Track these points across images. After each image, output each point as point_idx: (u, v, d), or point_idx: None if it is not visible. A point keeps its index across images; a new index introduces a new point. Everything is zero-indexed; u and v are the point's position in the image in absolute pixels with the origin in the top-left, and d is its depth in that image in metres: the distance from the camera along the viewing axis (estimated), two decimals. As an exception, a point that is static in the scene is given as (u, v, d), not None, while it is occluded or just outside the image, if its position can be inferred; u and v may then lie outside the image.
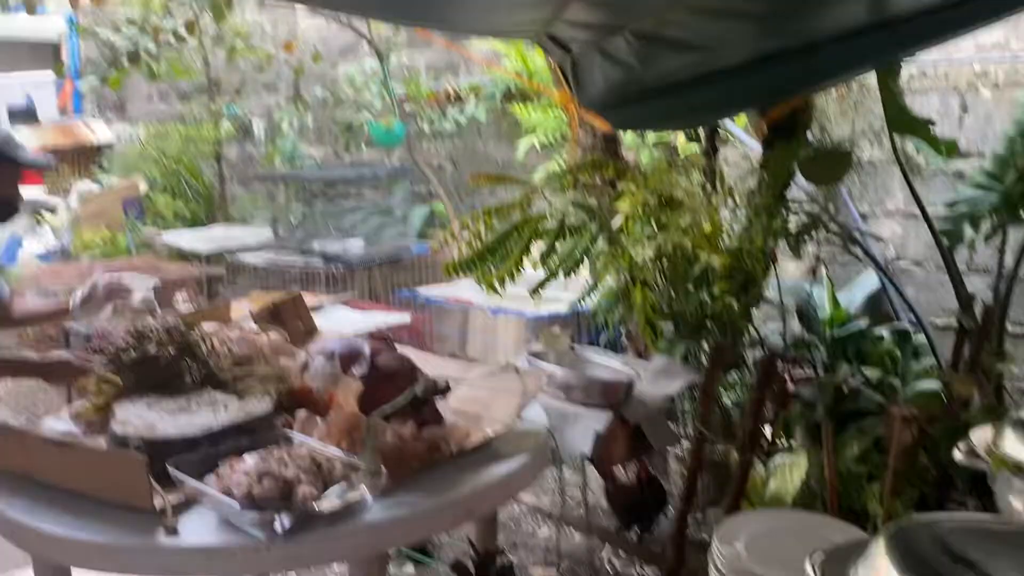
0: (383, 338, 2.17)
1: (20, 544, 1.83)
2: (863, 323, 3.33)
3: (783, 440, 3.12)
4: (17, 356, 2.37)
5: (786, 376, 3.20)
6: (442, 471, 1.91)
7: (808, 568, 0.86)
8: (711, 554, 1.24)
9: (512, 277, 2.92)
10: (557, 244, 3.09)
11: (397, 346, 2.31)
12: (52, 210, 8.17)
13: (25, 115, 9.66)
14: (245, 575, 2.81)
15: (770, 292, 3.27)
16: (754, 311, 3.31)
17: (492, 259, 3.04)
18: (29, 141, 9.21)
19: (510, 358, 4.02)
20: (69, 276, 5.49)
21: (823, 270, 3.78)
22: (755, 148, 3.79)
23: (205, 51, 6.69)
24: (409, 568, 3.14)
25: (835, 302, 3.64)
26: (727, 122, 4.02)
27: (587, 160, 3.42)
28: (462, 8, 2.95)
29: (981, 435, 1.39)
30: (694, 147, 4.11)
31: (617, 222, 3.33)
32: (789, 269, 4.01)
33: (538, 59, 4.85)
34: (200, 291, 5.92)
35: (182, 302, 5.46)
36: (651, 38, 2.82)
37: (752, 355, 3.28)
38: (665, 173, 3.27)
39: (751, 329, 3.27)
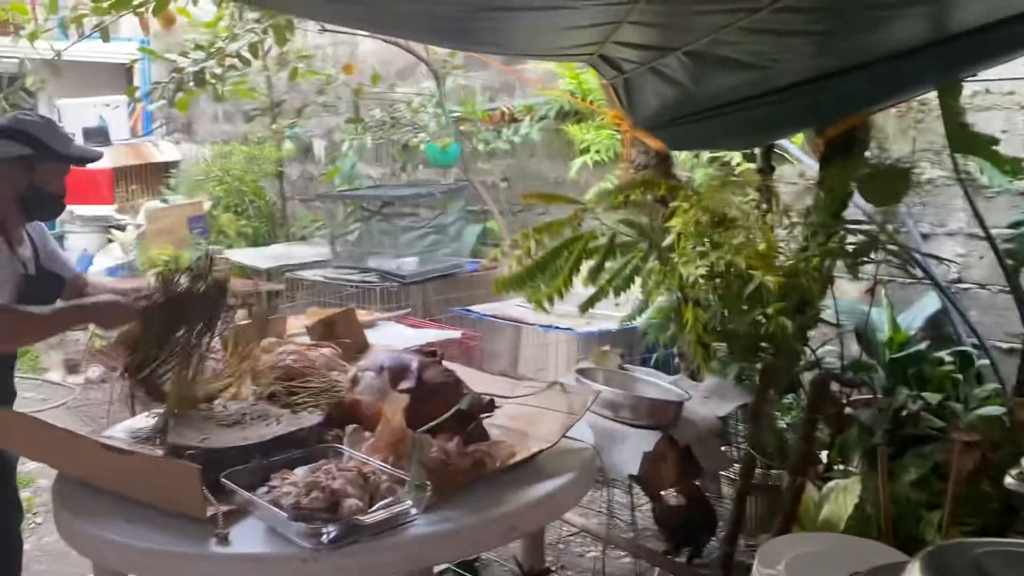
0: (431, 354, 2.19)
1: (79, 549, 1.90)
2: (923, 346, 3.25)
3: (840, 464, 3.05)
4: (69, 303, 2.33)
5: (843, 399, 3.14)
6: (487, 487, 1.92)
7: (844, 591, 0.85)
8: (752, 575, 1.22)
9: (561, 295, 2.92)
10: (606, 262, 3.09)
11: (446, 362, 2.34)
12: (121, 227, 8.46)
13: (98, 135, 10.04)
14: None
15: (828, 313, 3.21)
16: (811, 332, 3.25)
17: (541, 276, 3.04)
18: (101, 160, 9.57)
19: (560, 374, 4.02)
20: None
21: (883, 291, 3.69)
22: (812, 166, 3.74)
23: (269, 73, 6.88)
24: (457, 585, 3.15)
25: (895, 324, 3.56)
26: (783, 140, 3.98)
27: (638, 178, 3.41)
28: (515, 33, 2.98)
29: (1036, 461, 1.35)
30: (750, 165, 4.07)
31: (668, 240, 3.32)
32: (848, 290, 3.93)
33: (592, 79, 4.87)
34: (260, 305, 6.07)
35: (243, 317, 5.60)
36: (704, 57, 2.81)
37: (808, 377, 3.22)
38: (718, 191, 3.24)
39: (807, 351, 3.21)
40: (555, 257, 3.11)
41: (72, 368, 6.27)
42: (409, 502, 1.76)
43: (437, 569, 3.20)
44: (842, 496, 2.38)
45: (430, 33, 3.50)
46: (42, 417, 2.14)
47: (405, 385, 2.02)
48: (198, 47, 4.92)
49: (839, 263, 3.12)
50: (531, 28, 2.85)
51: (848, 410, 3.10)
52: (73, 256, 8.62)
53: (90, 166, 9.17)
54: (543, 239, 3.18)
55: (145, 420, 2.49)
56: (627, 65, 3.20)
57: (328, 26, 5.31)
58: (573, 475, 2.02)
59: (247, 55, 4.97)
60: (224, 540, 1.72)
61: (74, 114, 10.52)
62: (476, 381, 2.34)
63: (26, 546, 3.59)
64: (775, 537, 1.97)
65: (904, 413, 2.81)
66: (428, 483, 1.80)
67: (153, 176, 9.80)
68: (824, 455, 3.11)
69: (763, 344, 3.21)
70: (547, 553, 3.32)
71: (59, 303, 2.37)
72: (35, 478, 4.16)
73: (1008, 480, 1.38)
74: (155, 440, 2.23)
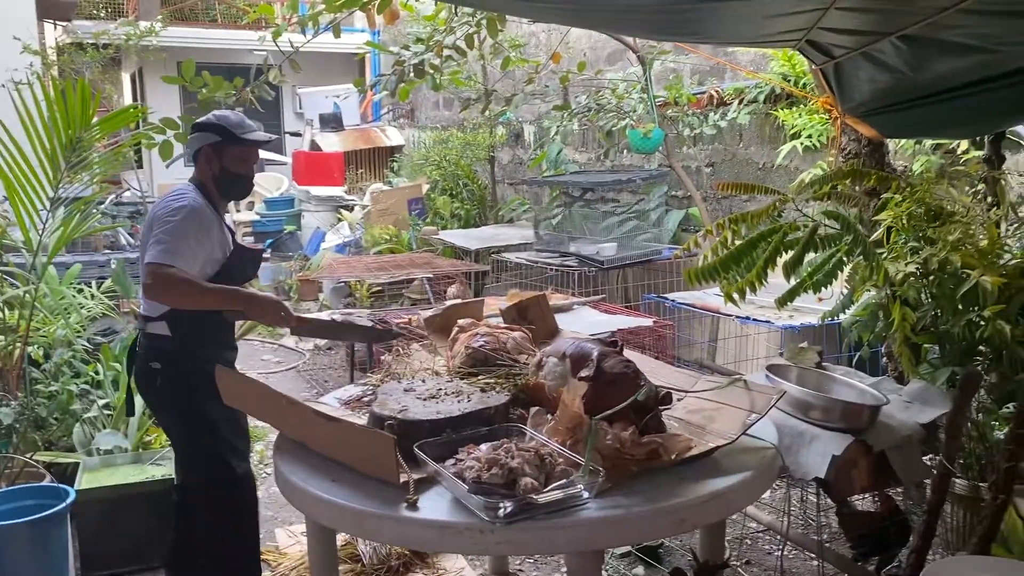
0: (612, 343, 2.24)
1: (291, 500, 2.15)
2: None
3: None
4: (242, 290, 2.68)
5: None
6: (661, 478, 1.95)
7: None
8: (915, 596, 1.17)
9: (754, 288, 2.86)
10: (806, 255, 2.98)
11: (637, 351, 2.37)
12: (349, 207, 9.17)
13: (333, 121, 10.93)
14: (469, 553, 3.05)
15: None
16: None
17: (736, 268, 2.99)
18: (334, 145, 10.41)
19: (759, 369, 3.92)
20: (358, 268, 6.16)
21: None
22: (1052, 155, 3.39)
23: (484, 62, 7.16)
24: (639, 570, 3.20)
25: None
26: (1019, 127, 3.63)
27: (845, 168, 3.25)
28: (719, 24, 2.94)
29: None
30: (978, 153, 3.75)
31: (877, 234, 3.14)
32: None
33: (805, 61, 4.67)
34: (468, 285, 6.39)
35: (453, 295, 5.95)
36: (922, 41, 2.63)
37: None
38: (934, 183, 3.03)
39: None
40: (751, 248, 3.03)
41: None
42: (582, 485, 1.84)
43: (621, 551, 3.27)
44: (1059, 520, 2.17)
45: (635, 26, 3.52)
46: (276, 378, 2.43)
47: (585, 373, 2.09)
48: (418, 40, 5.22)
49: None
50: (734, 18, 2.80)
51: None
52: (307, 233, 9.48)
53: (326, 150, 10.01)
54: (740, 229, 3.12)
55: (356, 388, 2.75)
56: (837, 50, 3.06)
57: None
58: (750, 474, 2.00)
59: (463, 45, 5.20)
60: (413, 506, 1.88)
61: (313, 102, 11.52)
62: (657, 372, 2.37)
63: (258, 493, 4.06)
64: (965, 555, 1.85)
65: None
66: (601, 469, 1.87)
67: (379, 160, 10.53)
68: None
69: (981, 348, 2.99)
70: (733, 548, 3.29)
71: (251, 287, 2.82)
72: (267, 433, 4.67)
73: None
74: (362, 408, 2.47)
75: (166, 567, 2.87)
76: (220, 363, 2.59)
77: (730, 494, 1.94)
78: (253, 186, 2.89)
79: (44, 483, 3.33)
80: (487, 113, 7.19)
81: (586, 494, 1.84)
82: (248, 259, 2.87)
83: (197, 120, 2.81)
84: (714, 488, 1.93)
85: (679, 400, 2.23)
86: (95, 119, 3.77)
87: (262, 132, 2.87)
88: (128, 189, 9.45)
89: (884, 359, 3.65)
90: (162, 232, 2.52)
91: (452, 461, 1.98)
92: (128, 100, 12.69)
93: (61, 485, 3.20)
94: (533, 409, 2.23)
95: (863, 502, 3.12)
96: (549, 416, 2.16)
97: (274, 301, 2.67)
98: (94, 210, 4.42)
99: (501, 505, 1.78)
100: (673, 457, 2.00)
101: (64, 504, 3.05)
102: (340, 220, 9.01)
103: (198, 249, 2.60)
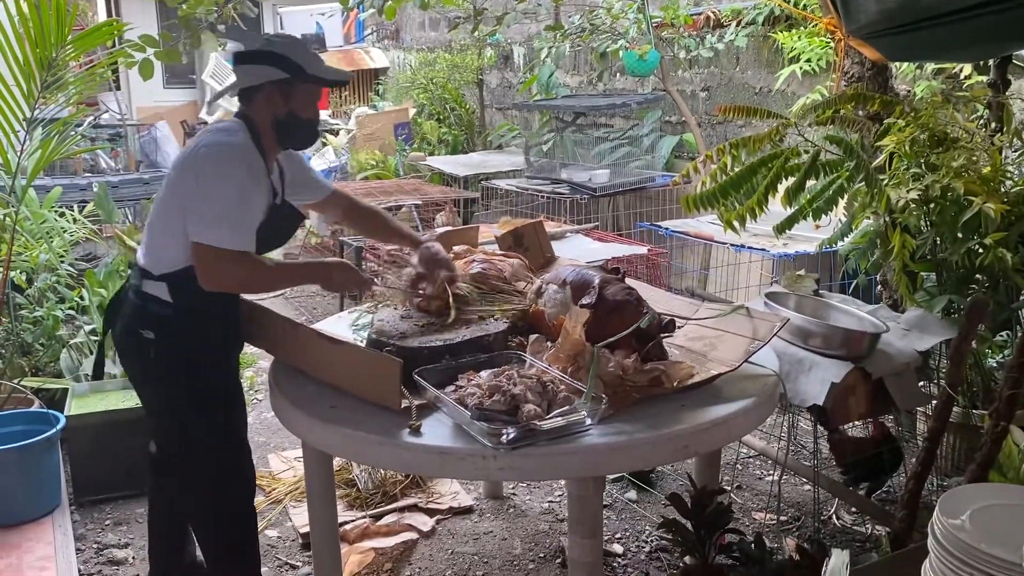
0: (614, 271, 2.20)
1: (289, 427, 2.12)
2: None
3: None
4: (303, 263, 2.34)
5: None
6: (663, 405, 1.94)
7: (1026, 553, 0.80)
8: (931, 524, 1.16)
9: (754, 215, 2.82)
10: (807, 181, 2.93)
11: (631, 279, 2.34)
12: (334, 131, 8.97)
13: (315, 42, 10.63)
14: (471, 479, 3.06)
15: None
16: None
17: (735, 194, 2.94)
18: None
19: (752, 297, 3.91)
20: (345, 193, 6.05)
21: None
22: (1057, 80, 3.33)
23: (473, -22, 6.92)
24: (631, 494, 3.23)
25: None
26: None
27: (848, 92, 3.17)
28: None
29: None
30: (982, 78, 3.67)
31: (879, 160, 3.09)
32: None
33: (807, -19, 4.54)
34: (457, 212, 6.30)
35: (441, 223, 5.87)
36: (934, -43, 2.53)
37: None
38: (939, 108, 2.96)
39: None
40: (751, 174, 2.98)
41: (290, 262, 6.85)
42: (584, 412, 1.82)
43: (612, 477, 3.30)
44: (1054, 447, 2.19)
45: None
46: (264, 304, 2.37)
47: (586, 300, 2.06)
48: (406, -45, 5.01)
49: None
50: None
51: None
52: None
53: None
54: (740, 155, 3.06)
55: (348, 315, 2.71)
56: (845, -33, 2.95)
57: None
58: (752, 401, 1.99)
59: (452, -39, 5.02)
60: (416, 432, 1.86)
61: (293, 22, 11.18)
62: (658, 300, 2.34)
63: (248, 419, 4.05)
64: (968, 483, 1.86)
65: None
66: (604, 396, 1.85)
67: (364, 82, 10.27)
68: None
69: (978, 276, 2.97)
70: (724, 473, 3.32)
71: (301, 259, 2.43)
72: (256, 359, 4.63)
73: None
74: (357, 335, 2.43)
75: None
76: (229, 346, 2.27)
77: (732, 421, 1.93)
78: (319, 134, 2.33)
79: (33, 408, 3.30)
80: (476, 34, 6.98)
81: (589, 420, 1.83)
82: (289, 219, 2.36)
83: (253, 49, 2.18)
84: (717, 415, 1.92)
85: (680, 327, 2.20)
86: (70, 36, 3.61)
87: (331, 67, 2.31)
88: (106, 111, 9.19)
89: (879, 287, 3.63)
90: (212, 194, 2.01)
91: (452, 388, 1.96)
92: (102, 16, 12.25)
93: (51, 411, 3.17)
94: (532, 336, 2.20)
95: (851, 428, 3.14)
96: (548, 343, 2.14)
97: (346, 265, 2.29)
98: (72, 132, 4.27)
99: (504, 431, 1.76)
100: (675, 384, 1.98)
101: (55, 429, 3.02)
102: (325, 145, 8.82)
103: (256, 211, 2.10)
